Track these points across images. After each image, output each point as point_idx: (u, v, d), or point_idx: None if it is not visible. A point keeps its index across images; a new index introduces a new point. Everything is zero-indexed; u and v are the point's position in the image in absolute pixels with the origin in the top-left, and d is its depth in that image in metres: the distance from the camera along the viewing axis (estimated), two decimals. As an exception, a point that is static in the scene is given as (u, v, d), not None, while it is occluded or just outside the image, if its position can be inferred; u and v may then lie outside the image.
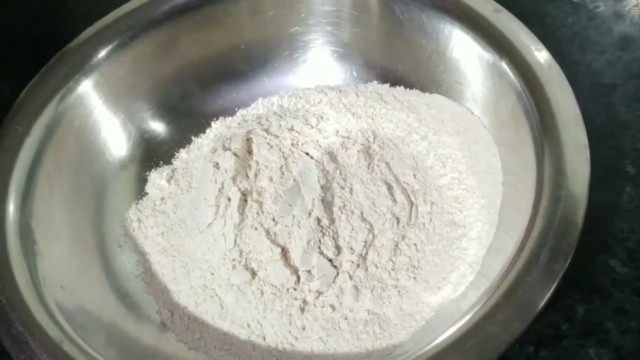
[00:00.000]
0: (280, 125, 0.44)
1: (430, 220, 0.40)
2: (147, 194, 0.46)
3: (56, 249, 0.39)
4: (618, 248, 0.39)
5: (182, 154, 0.48)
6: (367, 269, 0.39)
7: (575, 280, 0.38)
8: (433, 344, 0.30)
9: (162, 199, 0.45)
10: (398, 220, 0.40)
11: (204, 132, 0.49)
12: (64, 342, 0.33)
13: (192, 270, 0.41)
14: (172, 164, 0.47)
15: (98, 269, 0.41)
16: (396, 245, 0.39)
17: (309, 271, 0.38)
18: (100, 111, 0.45)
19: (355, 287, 0.38)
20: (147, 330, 0.39)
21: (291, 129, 0.44)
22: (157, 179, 0.46)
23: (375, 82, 0.48)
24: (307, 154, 0.42)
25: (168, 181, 0.46)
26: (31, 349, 0.33)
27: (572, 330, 0.36)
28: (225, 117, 0.49)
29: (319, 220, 0.39)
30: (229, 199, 0.40)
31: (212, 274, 0.40)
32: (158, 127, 0.48)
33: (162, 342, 0.38)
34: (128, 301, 0.40)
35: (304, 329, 0.38)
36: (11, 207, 0.39)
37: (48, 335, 0.33)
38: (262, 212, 0.40)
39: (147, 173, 0.47)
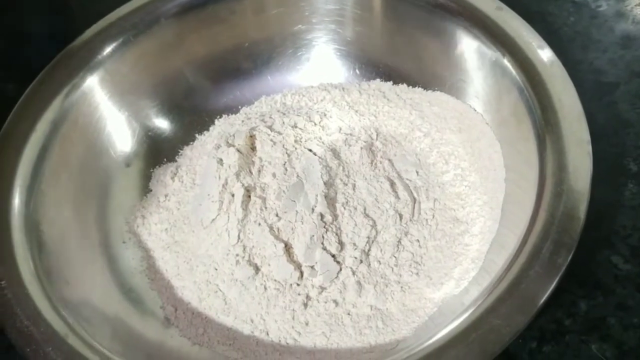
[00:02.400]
0: (283, 122, 0.44)
1: (433, 216, 0.40)
2: (151, 190, 0.46)
3: (61, 244, 0.39)
4: (620, 244, 0.39)
5: (186, 151, 0.48)
6: (370, 264, 0.39)
7: (578, 276, 0.38)
8: (436, 337, 0.30)
9: (166, 195, 0.45)
10: (401, 216, 0.40)
11: (208, 130, 0.49)
12: (69, 335, 0.33)
13: (195, 265, 0.41)
14: (176, 160, 0.48)
15: (102, 265, 0.41)
16: (399, 241, 0.39)
17: (312, 267, 0.38)
18: (105, 108, 0.46)
19: (358, 283, 0.38)
20: (151, 325, 0.39)
21: (294, 126, 0.44)
22: (161, 175, 0.46)
23: (378, 80, 0.49)
24: (310, 150, 0.43)
25: (172, 178, 0.46)
26: (37, 341, 0.33)
27: (575, 326, 0.36)
28: (229, 114, 0.49)
29: (322, 216, 0.39)
30: (233, 195, 0.40)
31: (216, 269, 0.40)
32: (162, 124, 0.49)
33: (166, 337, 0.39)
34: (132, 296, 0.41)
35: (307, 324, 0.38)
36: (16, 202, 0.39)
37: (53, 328, 0.34)
38: (266, 207, 0.40)
39: (152, 170, 0.47)
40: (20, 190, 0.39)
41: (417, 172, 0.43)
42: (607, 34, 0.51)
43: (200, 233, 0.41)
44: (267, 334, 0.38)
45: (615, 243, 0.39)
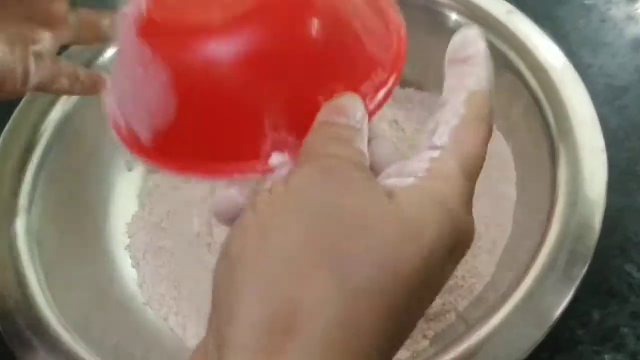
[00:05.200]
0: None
1: (443, 223, 0.40)
2: (152, 195, 0.45)
3: (63, 252, 0.39)
4: (634, 252, 0.39)
5: (190, 155, 0.47)
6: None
7: (591, 285, 0.37)
8: (451, 348, 0.30)
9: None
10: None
11: (212, 134, 0.48)
12: (72, 346, 0.33)
13: (199, 272, 0.40)
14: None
15: (104, 272, 0.41)
16: (408, 249, 0.39)
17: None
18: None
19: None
20: (150, 329, 0.39)
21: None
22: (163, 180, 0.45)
23: (385, 83, 0.48)
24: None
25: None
26: (37, 349, 0.32)
27: (588, 336, 0.36)
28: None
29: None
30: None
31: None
32: (165, 127, 0.48)
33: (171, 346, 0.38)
34: (134, 305, 0.40)
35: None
36: (19, 208, 0.38)
37: (54, 335, 0.33)
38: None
39: (154, 174, 0.46)
40: (22, 199, 0.39)
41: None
42: (617, 38, 0.50)
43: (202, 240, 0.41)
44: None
45: (629, 251, 0.39)
